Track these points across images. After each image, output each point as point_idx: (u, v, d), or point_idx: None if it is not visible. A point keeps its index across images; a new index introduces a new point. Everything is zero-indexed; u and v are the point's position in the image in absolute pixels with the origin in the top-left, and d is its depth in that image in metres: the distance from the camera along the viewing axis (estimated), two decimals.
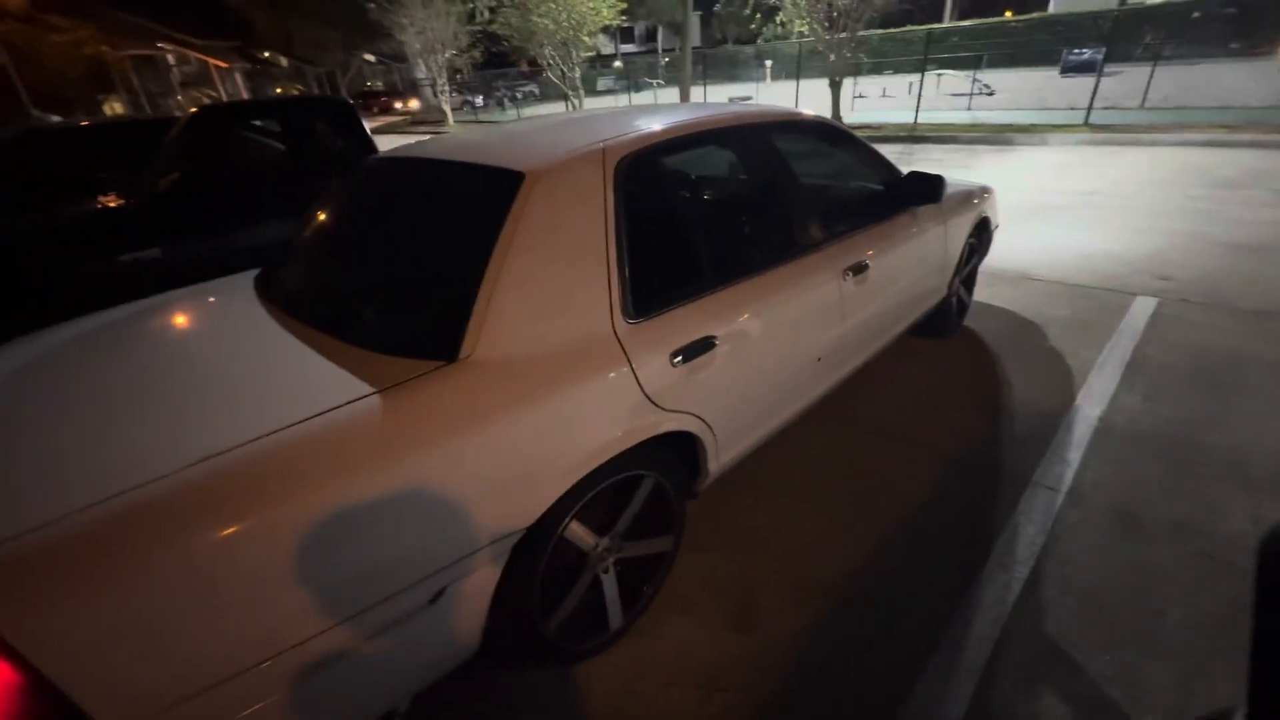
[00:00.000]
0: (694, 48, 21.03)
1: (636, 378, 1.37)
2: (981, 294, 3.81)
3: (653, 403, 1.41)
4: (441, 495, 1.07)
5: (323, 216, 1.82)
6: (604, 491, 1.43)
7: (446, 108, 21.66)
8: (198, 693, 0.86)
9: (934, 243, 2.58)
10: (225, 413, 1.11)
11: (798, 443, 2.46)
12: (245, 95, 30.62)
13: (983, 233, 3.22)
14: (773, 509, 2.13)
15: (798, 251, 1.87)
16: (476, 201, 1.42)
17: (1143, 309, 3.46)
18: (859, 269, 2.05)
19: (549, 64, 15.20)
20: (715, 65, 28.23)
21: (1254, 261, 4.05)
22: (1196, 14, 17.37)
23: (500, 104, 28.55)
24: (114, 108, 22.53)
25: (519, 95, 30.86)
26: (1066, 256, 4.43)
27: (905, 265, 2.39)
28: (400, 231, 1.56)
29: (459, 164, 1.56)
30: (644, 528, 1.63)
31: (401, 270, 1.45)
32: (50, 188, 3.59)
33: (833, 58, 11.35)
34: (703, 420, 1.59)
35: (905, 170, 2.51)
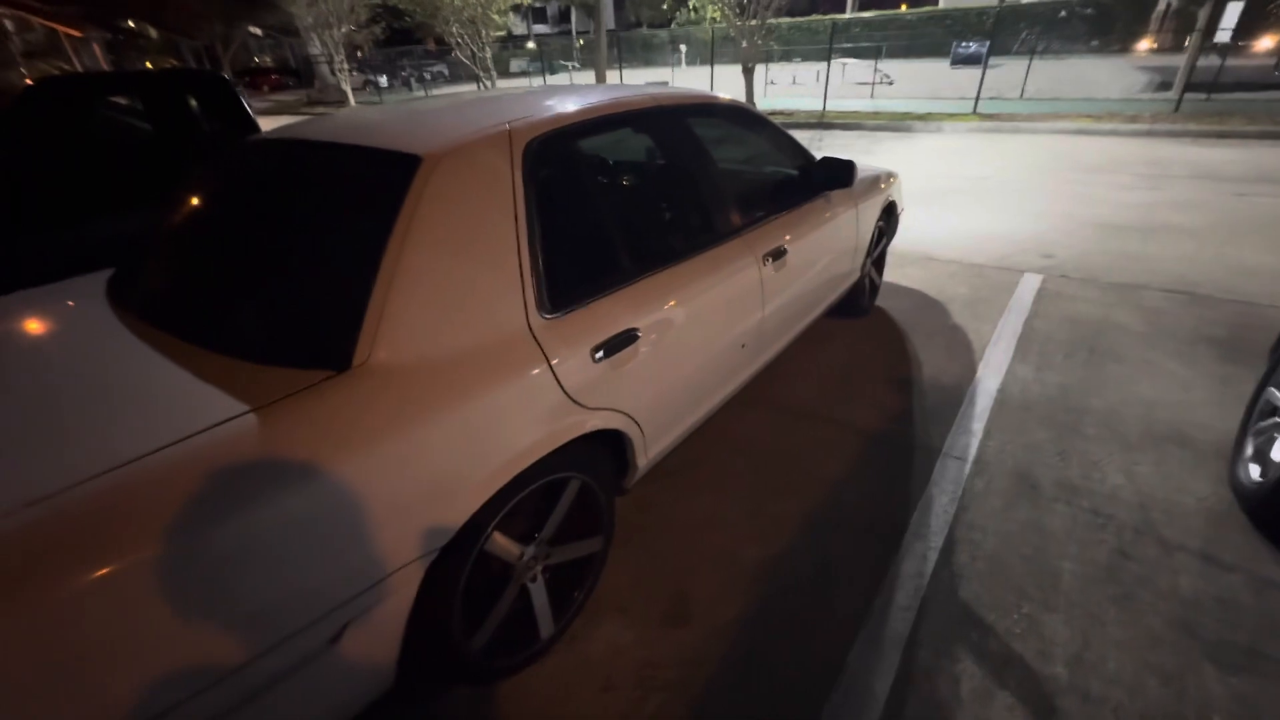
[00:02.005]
0: (608, 30, 20.75)
1: (556, 376, 1.29)
2: (890, 275, 3.99)
3: (575, 402, 1.34)
4: (334, 523, 0.95)
5: (186, 207, 1.58)
6: (528, 498, 1.35)
7: (347, 88, 20.16)
8: None
9: (847, 226, 2.64)
10: (63, 446, 0.93)
11: (722, 429, 2.46)
12: (106, 68, 27.09)
13: (890, 216, 3.35)
14: (698, 498, 2.12)
15: (718, 238, 1.84)
16: (368, 189, 1.27)
17: (1029, 285, 3.75)
18: (778, 254, 2.05)
19: (457, 43, 14.45)
20: (630, 49, 28.05)
21: (1121, 239, 4.49)
22: (1063, 13, 19.09)
23: (407, 84, 27.02)
24: None
25: (427, 76, 29.30)
26: (963, 238, 4.72)
27: (821, 249, 2.43)
28: (279, 224, 1.38)
29: (348, 146, 1.40)
30: (572, 531, 1.56)
31: (281, 268, 1.27)
32: None
33: (744, 44, 11.53)
34: (629, 416, 1.53)
35: (818, 156, 2.55)
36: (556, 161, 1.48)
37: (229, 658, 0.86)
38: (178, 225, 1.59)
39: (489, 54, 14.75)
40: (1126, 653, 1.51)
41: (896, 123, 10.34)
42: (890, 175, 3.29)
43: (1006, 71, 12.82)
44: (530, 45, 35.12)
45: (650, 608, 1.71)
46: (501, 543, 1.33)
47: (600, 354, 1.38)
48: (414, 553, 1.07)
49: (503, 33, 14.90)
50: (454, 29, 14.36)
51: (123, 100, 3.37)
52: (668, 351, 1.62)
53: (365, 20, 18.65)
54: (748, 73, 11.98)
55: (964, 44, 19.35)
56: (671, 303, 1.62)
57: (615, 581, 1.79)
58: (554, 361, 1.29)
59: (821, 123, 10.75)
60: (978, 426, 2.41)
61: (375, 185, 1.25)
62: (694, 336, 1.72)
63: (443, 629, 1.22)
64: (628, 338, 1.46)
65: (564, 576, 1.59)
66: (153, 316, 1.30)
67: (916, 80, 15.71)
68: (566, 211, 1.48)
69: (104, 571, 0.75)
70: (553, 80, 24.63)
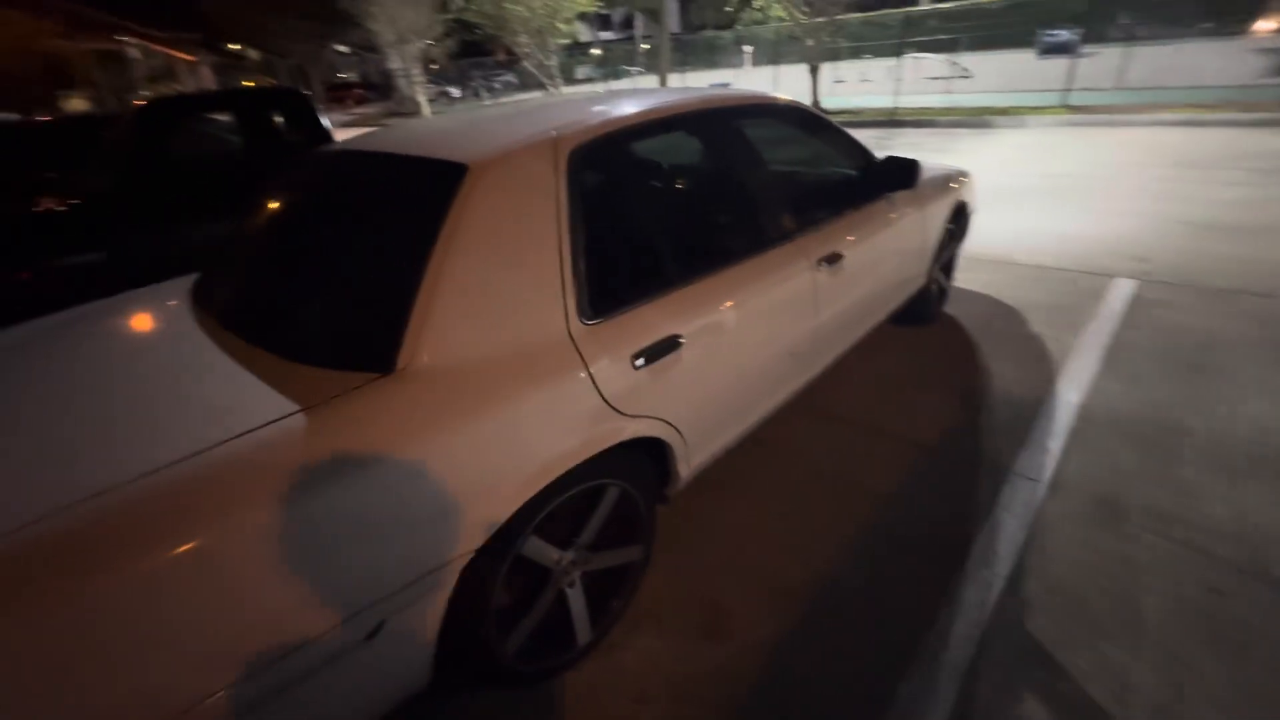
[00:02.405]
0: (672, 34, 20.78)
1: (594, 382, 1.29)
2: (962, 279, 3.77)
3: (614, 408, 1.33)
4: (372, 521, 0.98)
5: (254, 217, 1.70)
6: (566, 503, 1.35)
7: (421, 99, 21.20)
8: None
9: (911, 229, 2.51)
10: (128, 441, 1.01)
11: (773, 437, 2.39)
12: (213, 86, 29.76)
13: (961, 217, 3.17)
14: (745, 509, 2.06)
15: (768, 242, 1.79)
16: (415, 197, 1.31)
17: (1121, 291, 3.44)
18: (834, 259, 1.97)
19: (524, 53, 14.89)
20: (694, 52, 28.00)
21: (1228, 241, 4.05)
22: None
23: (477, 94, 28.09)
24: (74, 104, 21.77)
25: (497, 85, 30.36)
26: (1045, 239, 4.40)
27: (882, 253, 2.32)
28: (334, 231, 1.45)
29: (399, 156, 1.45)
30: (611, 538, 1.55)
31: (333, 274, 1.34)
32: None
33: (811, 42, 11.25)
34: (670, 424, 1.51)
35: (881, 155, 2.44)
36: (602, 167, 1.48)
37: (268, 648, 0.90)
38: (245, 233, 1.70)
39: (554, 62, 15.10)
40: (1223, 710, 1.34)
41: (974, 118, 9.79)
42: (961, 174, 3.11)
43: (1101, 60, 11.85)
44: (595, 52, 35.73)
45: (689, 620, 1.68)
46: (539, 547, 1.34)
47: (641, 361, 1.37)
48: (450, 553, 1.09)
49: (567, 41, 15.22)
50: (521, 39, 14.81)
51: (219, 116, 3.66)
52: (712, 359, 1.59)
53: (440, 35, 19.54)
54: (813, 71, 11.68)
55: (1052, 31, 18.08)
56: (716, 309, 1.58)
57: (655, 591, 1.76)
58: (593, 367, 1.29)
59: (891, 120, 10.33)
60: (1055, 445, 2.22)
61: (422, 194, 1.29)
62: (740, 344, 1.68)
63: (478, 630, 1.24)
64: (670, 344, 1.44)
65: (602, 584, 1.59)
66: (223, 319, 1.40)
67: (998, 73, 14.82)
68: (611, 217, 1.47)
69: (188, 546, 0.81)
70: (615, 86, 24.92)
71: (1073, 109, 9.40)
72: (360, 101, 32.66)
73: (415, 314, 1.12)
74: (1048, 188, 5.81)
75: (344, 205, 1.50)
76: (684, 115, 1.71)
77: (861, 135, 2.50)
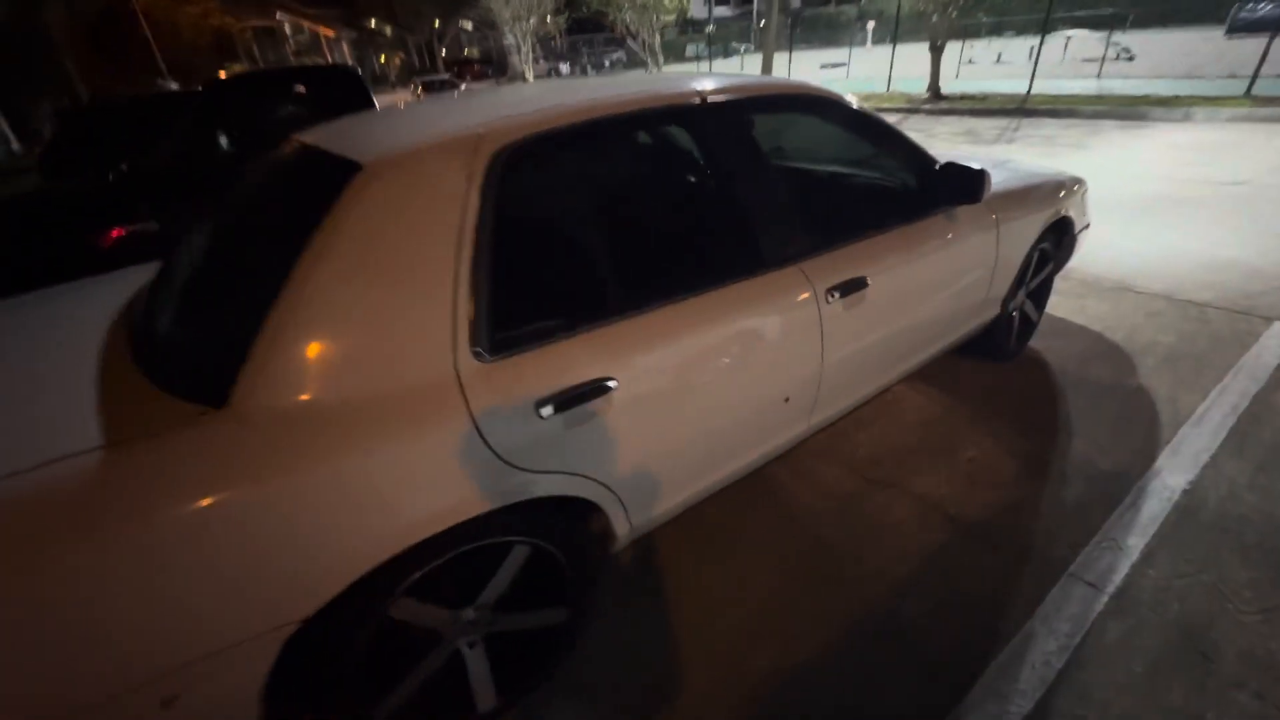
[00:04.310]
0: (794, 9, 19.61)
1: (481, 433, 1.08)
2: (1064, 307, 3.16)
3: (508, 464, 1.12)
4: (157, 584, 0.85)
5: (197, 212, 1.62)
6: (459, 559, 1.16)
7: (530, 75, 21.63)
8: None
9: (978, 251, 2.06)
10: None
11: (776, 485, 2.08)
12: (350, 61, 32.20)
13: (1062, 235, 2.60)
14: (725, 569, 1.79)
15: (755, 267, 1.47)
16: (303, 200, 1.16)
17: (1276, 341, 2.71)
18: (851, 288, 1.61)
19: (627, 30, 14.65)
20: (812, 28, 26.43)
21: None
22: None
23: (584, 70, 28.32)
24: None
25: (606, 62, 30.42)
26: (1188, 264, 3.60)
27: (929, 281, 1.90)
28: (227, 236, 1.33)
29: (313, 151, 1.30)
30: (528, 598, 1.36)
31: (205, 286, 1.22)
32: (79, 160, 3.71)
33: (934, 17, 10.10)
34: (598, 481, 1.28)
35: (947, 160, 1.99)
36: (538, 171, 1.25)
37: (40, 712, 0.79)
38: (181, 230, 1.61)
39: (658, 40, 14.74)
40: None
41: (1126, 108, 8.36)
42: (1068, 183, 2.54)
43: None
44: (710, 29, 34.72)
45: (627, 699, 1.46)
46: (415, 609, 1.17)
47: (550, 409, 1.14)
48: (264, 624, 0.94)
49: (672, 17, 14.78)
50: (626, 16, 14.58)
51: (296, 89, 3.76)
52: (659, 407, 1.32)
53: (551, 11, 19.74)
54: (935, 50, 10.51)
55: (1254, 3, 15.13)
56: (666, 348, 1.31)
57: (599, 657, 1.55)
58: (480, 415, 1.08)
59: (1022, 109, 9.07)
60: (1135, 543, 1.74)
61: (310, 196, 1.13)
62: (702, 390, 1.39)
63: (330, 696, 1.10)
64: (596, 389, 1.20)
65: (516, 646, 1.40)
66: (128, 326, 1.32)
67: (1172, 54, 12.64)
68: (541, 233, 1.25)
69: None
70: (722, 65, 24.04)
71: (1259, 100, 7.75)
72: (479, 77, 33.97)
73: (262, 339, 0.97)
74: (1204, 197, 4.79)
75: (248, 207, 1.37)
76: (661, 110, 1.42)
77: (983, 125, 2.05)
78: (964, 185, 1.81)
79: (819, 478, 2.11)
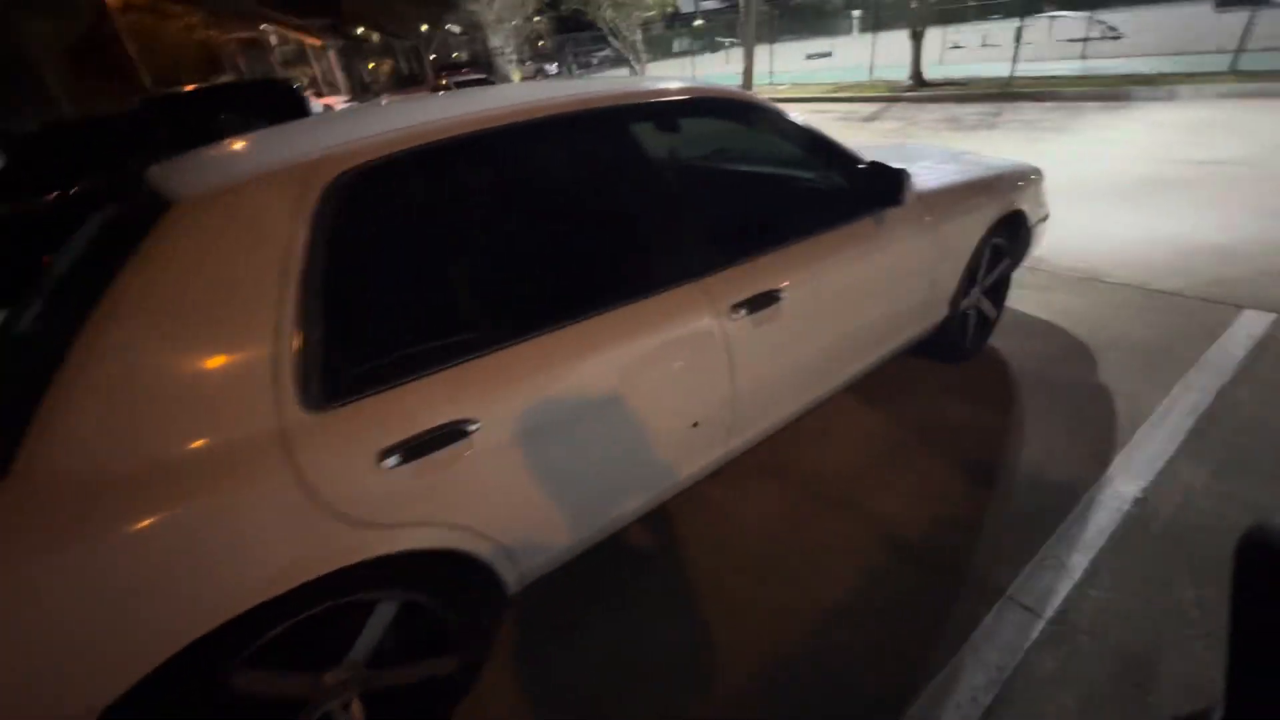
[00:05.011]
0: (771, 1, 19.42)
1: (311, 489, 0.99)
2: (1029, 301, 3.05)
3: (348, 521, 1.03)
4: None
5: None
6: (313, 620, 1.08)
7: (515, 77, 21.52)
8: None
9: (913, 254, 1.95)
10: None
11: (709, 504, 1.98)
12: (336, 71, 32.09)
13: (1017, 230, 2.50)
14: (645, 601, 1.69)
15: (645, 288, 1.37)
16: (114, 244, 1.06)
17: (1246, 329, 2.59)
18: (761, 302, 1.51)
19: (608, 27, 14.51)
20: (799, 18, 26.21)
21: None
22: None
23: (571, 71, 28.17)
24: None
25: (593, 61, 30.24)
26: (1163, 251, 3.48)
27: (856, 289, 1.80)
28: (42, 289, 1.24)
29: (145, 188, 1.20)
30: (408, 651, 1.27)
31: (5, 345, 1.13)
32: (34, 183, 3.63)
33: (914, 3, 9.95)
34: (470, 529, 1.18)
35: (872, 160, 1.89)
36: (388, 199, 1.16)
37: None
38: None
39: (639, 37, 14.61)
40: None
41: (1110, 89, 8.20)
42: (1020, 175, 2.43)
43: None
44: (698, 23, 34.46)
45: None
46: (262, 678, 1.08)
47: (395, 459, 1.05)
48: (52, 713, 0.85)
49: (652, 14, 14.63)
50: (606, 13, 14.44)
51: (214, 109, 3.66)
52: (539, 446, 1.23)
53: (532, 12, 19.65)
54: (916, 37, 10.35)
55: None
56: (537, 382, 1.21)
57: (495, 696, 1.46)
58: (310, 470, 0.99)
59: (1005, 93, 8.92)
60: (1078, 560, 1.64)
61: (119, 241, 1.04)
62: (590, 424, 1.30)
63: None
64: (452, 433, 1.10)
65: (402, 701, 1.31)
66: None
67: (1156, 32, 12.43)
68: (387, 267, 1.15)
69: None
70: (706, 60, 23.87)
71: (1244, 76, 7.59)
72: (466, 82, 33.84)
73: (47, 401, 0.87)
74: (1185, 179, 4.67)
75: (70, 258, 1.27)
76: (534, 124, 1.30)
77: (964, 111, 1.94)
78: (885, 187, 1.71)
79: (757, 495, 2.01)
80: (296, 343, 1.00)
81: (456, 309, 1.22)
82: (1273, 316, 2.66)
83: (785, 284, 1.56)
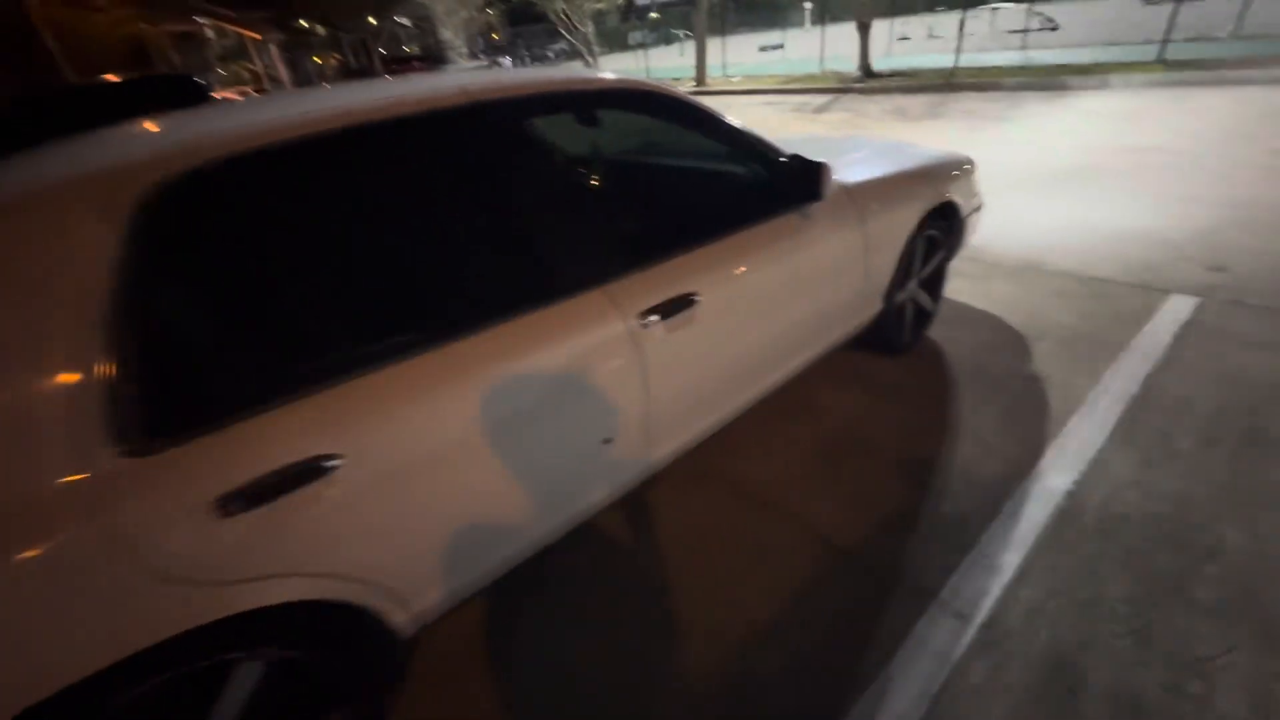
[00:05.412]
0: None
1: (129, 547, 0.85)
2: (969, 290, 3.05)
3: (183, 580, 0.89)
4: None
5: None
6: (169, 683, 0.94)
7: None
8: None
9: (840, 249, 1.89)
10: None
11: (637, 515, 1.89)
12: (280, 66, 30.75)
13: (951, 220, 2.47)
14: (572, 621, 1.59)
15: (541, 297, 1.25)
16: None
17: (1173, 314, 2.64)
18: (675, 307, 1.42)
19: (558, 19, 14.24)
20: (752, 9, 26.33)
21: None
22: None
23: (525, 64, 27.70)
24: None
25: (550, 54, 29.78)
26: (1095, 237, 3.55)
27: (780, 288, 1.72)
28: None
29: None
30: (288, 708, 1.14)
31: None
32: None
33: None
34: (344, 576, 1.06)
35: (791, 153, 1.81)
36: (227, 206, 1.01)
37: None
38: None
39: (590, 29, 14.39)
40: None
41: (1047, 79, 8.42)
42: (951, 165, 2.40)
43: (1216, 3, 9.94)
44: (654, 15, 34.27)
45: None
46: None
47: (238, 504, 0.92)
48: None
49: (603, 6, 14.42)
50: (557, 5, 14.17)
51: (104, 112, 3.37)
52: (421, 478, 1.10)
53: (483, 4, 19.19)
54: (863, 29, 10.45)
55: None
56: (423, 406, 1.09)
57: None
58: (130, 525, 0.85)
59: (948, 84, 9.08)
60: (1010, 559, 1.61)
61: None
62: (479, 449, 1.18)
63: None
64: (309, 471, 0.97)
65: None
66: None
67: (1092, 24, 12.87)
68: (231, 286, 1.01)
69: None
70: (662, 54, 23.74)
71: (1171, 65, 7.88)
72: (411, 72, 32.92)
73: None
74: (1117, 167, 4.79)
75: None
76: (401, 120, 1.17)
77: (910, 102, 1.88)
78: (805, 182, 1.63)
79: (688, 503, 1.93)
80: (107, 376, 0.86)
81: (313, 330, 1.08)
82: (1197, 300, 2.72)
83: (700, 287, 1.47)
